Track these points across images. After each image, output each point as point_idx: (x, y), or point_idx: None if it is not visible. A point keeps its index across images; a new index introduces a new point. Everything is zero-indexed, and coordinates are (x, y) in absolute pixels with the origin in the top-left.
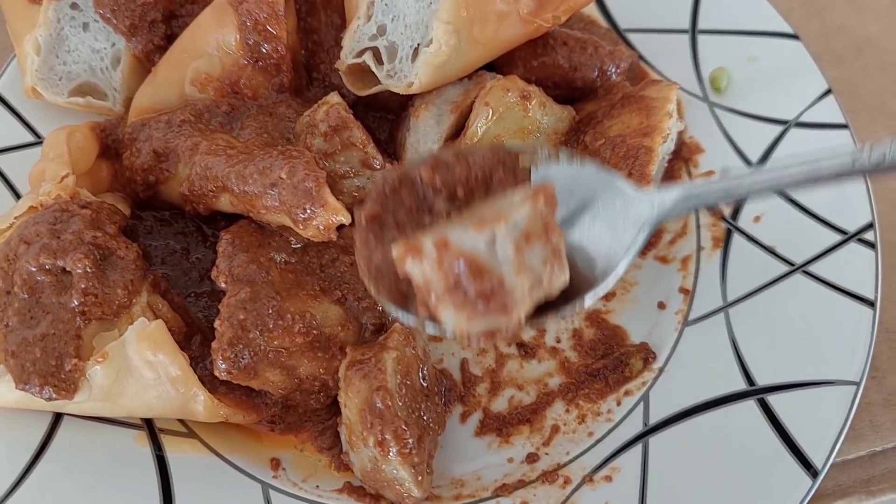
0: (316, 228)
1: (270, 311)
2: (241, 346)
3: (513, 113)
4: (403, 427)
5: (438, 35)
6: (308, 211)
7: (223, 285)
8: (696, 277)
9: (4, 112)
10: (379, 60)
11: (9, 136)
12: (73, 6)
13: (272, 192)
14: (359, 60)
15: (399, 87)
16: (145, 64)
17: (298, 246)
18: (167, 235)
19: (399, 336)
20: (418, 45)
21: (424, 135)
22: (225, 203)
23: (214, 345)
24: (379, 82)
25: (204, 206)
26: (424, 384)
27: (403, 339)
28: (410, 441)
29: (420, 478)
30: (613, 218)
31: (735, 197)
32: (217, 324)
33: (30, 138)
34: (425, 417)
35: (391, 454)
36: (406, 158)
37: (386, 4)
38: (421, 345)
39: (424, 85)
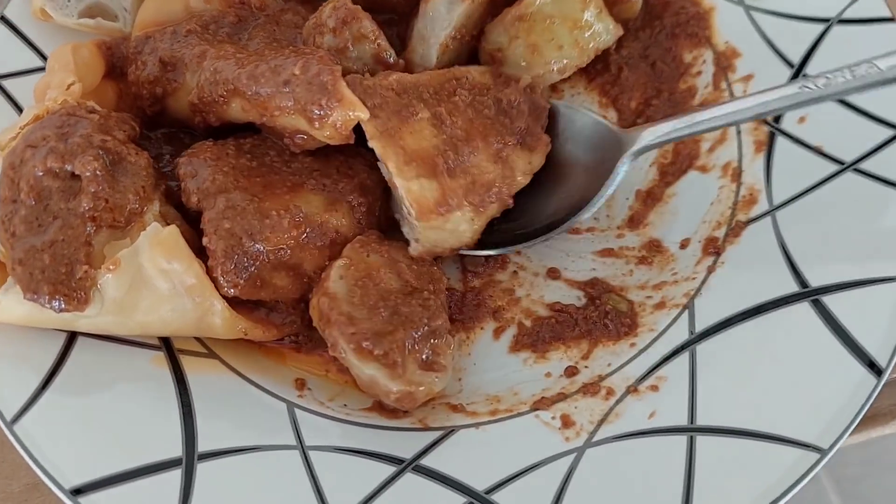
0: (333, 127)
1: (254, 213)
2: (238, 255)
3: (572, 2)
4: (346, 322)
5: None
6: (324, 107)
7: (196, 204)
8: (738, 184)
9: (13, 37)
10: None
11: (18, 61)
12: None
13: (286, 90)
14: None
15: None
16: None
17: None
18: (176, 150)
19: (355, 245)
20: None
21: (433, 21)
22: (236, 109)
23: (211, 262)
24: None
25: (214, 115)
26: (400, 283)
27: (359, 246)
28: (361, 334)
29: (395, 370)
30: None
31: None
32: (205, 241)
33: (39, 62)
34: (404, 311)
35: (347, 355)
36: (412, 44)
37: None
38: (397, 250)
39: None
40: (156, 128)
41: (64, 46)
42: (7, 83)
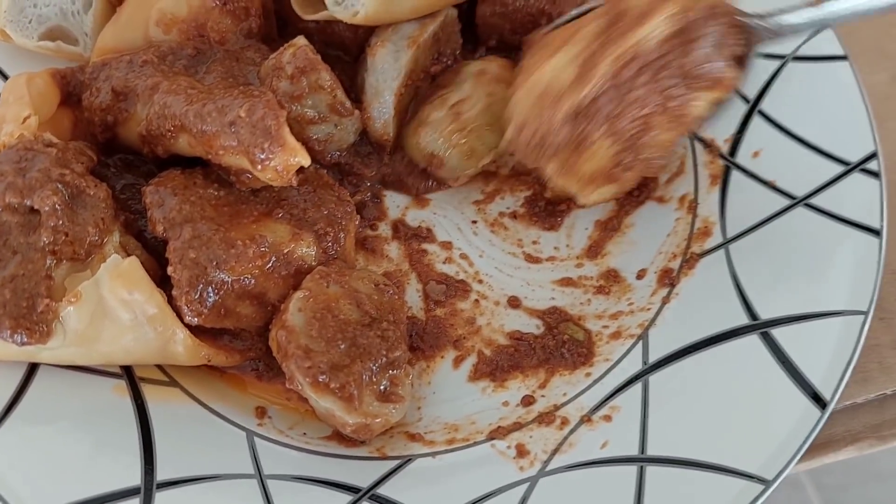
0: (274, 170)
1: (219, 243)
2: (202, 285)
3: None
4: (302, 356)
5: None
6: (266, 151)
7: (161, 234)
8: (694, 216)
9: None
10: None
11: None
12: None
13: (230, 131)
14: None
15: (344, 15)
16: (117, 8)
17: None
18: (133, 178)
19: (315, 276)
20: None
21: (383, 73)
22: (183, 144)
23: (174, 292)
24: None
25: (162, 147)
26: (359, 314)
27: (319, 277)
28: (317, 367)
29: (351, 403)
30: None
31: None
32: (170, 270)
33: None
34: (362, 342)
35: (304, 388)
36: (366, 102)
37: None
38: (358, 280)
39: (369, 16)
40: (113, 153)
41: (17, 77)
42: None
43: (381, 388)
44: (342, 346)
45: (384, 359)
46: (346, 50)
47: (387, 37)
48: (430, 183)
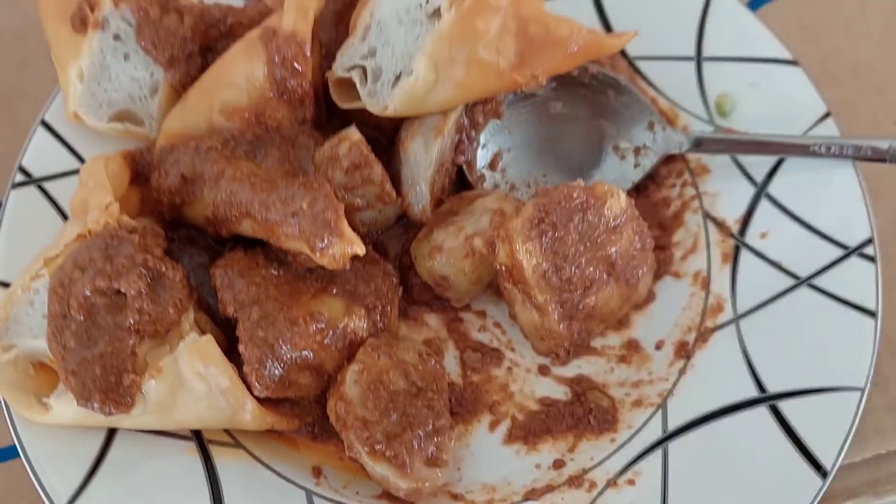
0: (332, 257)
1: (284, 322)
2: (269, 362)
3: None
4: (360, 427)
5: (419, 68)
6: (326, 241)
7: (232, 314)
8: (707, 292)
9: (52, 140)
10: (364, 79)
11: (58, 163)
12: (116, 37)
13: (293, 221)
14: (347, 75)
15: (375, 108)
16: (181, 94)
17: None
18: (196, 251)
19: (367, 349)
20: (401, 73)
21: (416, 165)
22: (246, 228)
23: (246, 368)
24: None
25: (226, 229)
26: (407, 384)
27: (371, 350)
28: (374, 437)
29: (404, 470)
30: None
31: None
32: (241, 349)
33: (76, 164)
34: (411, 412)
35: (362, 456)
36: (404, 192)
37: (380, 29)
38: (404, 351)
39: (398, 111)
40: (177, 227)
41: (95, 161)
42: (47, 185)
43: (429, 453)
44: (394, 416)
45: (431, 426)
46: (381, 131)
47: (414, 130)
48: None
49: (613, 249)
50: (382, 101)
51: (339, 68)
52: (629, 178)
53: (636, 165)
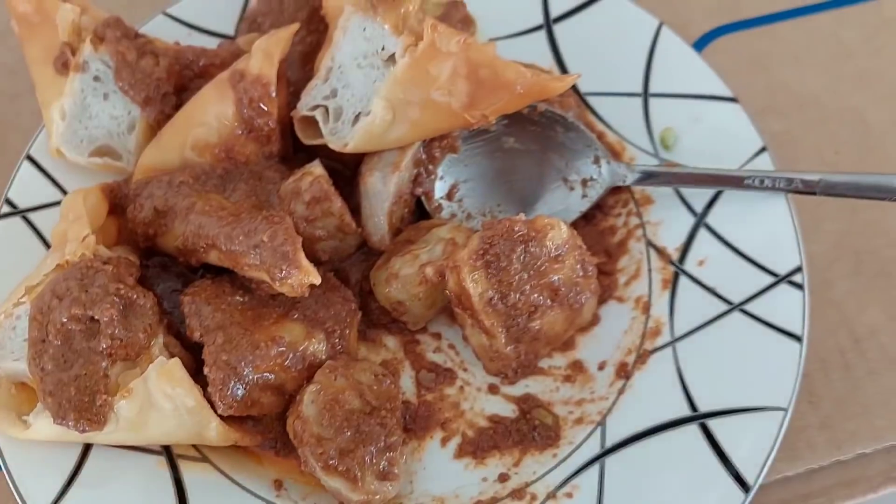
0: (291, 286)
1: (247, 346)
2: (232, 383)
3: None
4: (315, 444)
5: (376, 108)
6: (284, 271)
7: (199, 338)
8: (647, 315)
9: (37, 173)
10: (327, 118)
11: (42, 195)
12: (96, 79)
13: (254, 253)
14: (310, 114)
15: (336, 145)
16: (157, 130)
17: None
18: (169, 277)
19: (325, 370)
20: (360, 112)
21: (375, 197)
22: (213, 258)
23: (210, 389)
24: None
25: (195, 258)
26: (361, 403)
27: (328, 371)
28: (328, 453)
29: (356, 483)
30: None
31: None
32: (206, 371)
33: (59, 196)
34: (365, 430)
35: (316, 470)
36: (364, 222)
37: (341, 72)
38: (360, 372)
39: (357, 148)
40: (151, 255)
41: (75, 195)
42: (32, 216)
43: (381, 468)
44: (348, 433)
45: (383, 443)
46: (344, 164)
47: (373, 166)
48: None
49: (556, 277)
50: (343, 138)
51: (303, 107)
52: (576, 208)
53: (583, 196)
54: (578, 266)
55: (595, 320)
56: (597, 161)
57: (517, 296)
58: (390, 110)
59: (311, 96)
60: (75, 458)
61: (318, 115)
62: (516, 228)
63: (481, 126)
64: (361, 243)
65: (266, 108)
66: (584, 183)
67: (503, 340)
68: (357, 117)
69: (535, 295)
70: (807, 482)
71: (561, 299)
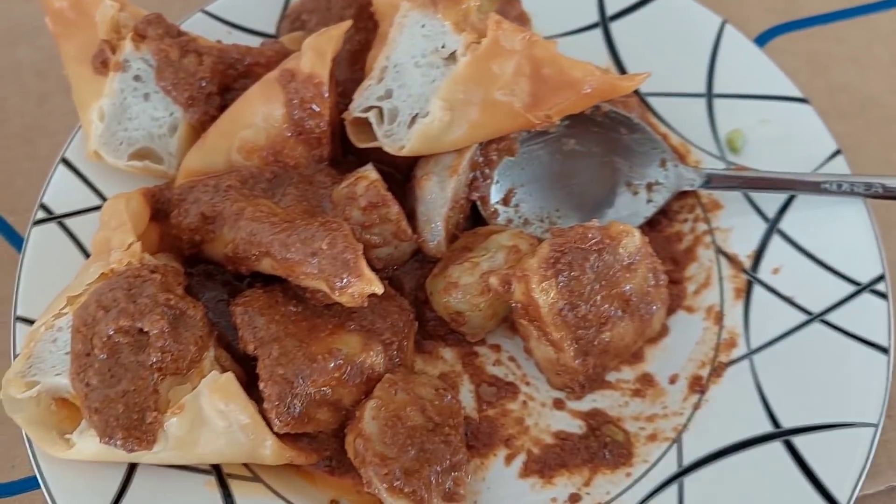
0: (350, 296)
1: (303, 359)
2: (289, 398)
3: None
4: (379, 464)
5: (435, 109)
6: (345, 280)
7: (252, 351)
8: (720, 326)
9: (73, 177)
10: (381, 120)
11: (79, 200)
12: (137, 78)
13: (312, 261)
14: (364, 115)
15: (391, 148)
16: (200, 132)
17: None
18: (214, 286)
19: (384, 385)
20: (417, 114)
21: (432, 202)
22: (266, 266)
23: (266, 405)
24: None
25: (246, 267)
26: (423, 419)
27: (388, 385)
28: (393, 474)
29: None
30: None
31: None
32: (262, 386)
33: (97, 201)
34: (429, 448)
35: (381, 492)
36: (420, 229)
37: (397, 72)
38: (420, 386)
39: (413, 150)
40: (194, 264)
41: (116, 200)
42: (68, 222)
43: (447, 488)
44: (412, 452)
45: (448, 462)
46: (396, 168)
47: (430, 169)
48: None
49: (628, 287)
50: (398, 141)
51: (355, 109)
52: (641, 213)
53: (648, 201)
54: (650, 275)
55: (664, 331)
56: (663, 164)
57: (588, 306)
58: (449, 111)
59: (365, 97)
60: (120, 479)
61: (372, 116)
62: (590, 235)
63: (542, 128)
64: (415, 251)
65: (318, 110)
66: (650, 187)
67: (571, 354)
68: (414, 119)
69: (607, 305)
70: (887, 500)
71: (632, 310)
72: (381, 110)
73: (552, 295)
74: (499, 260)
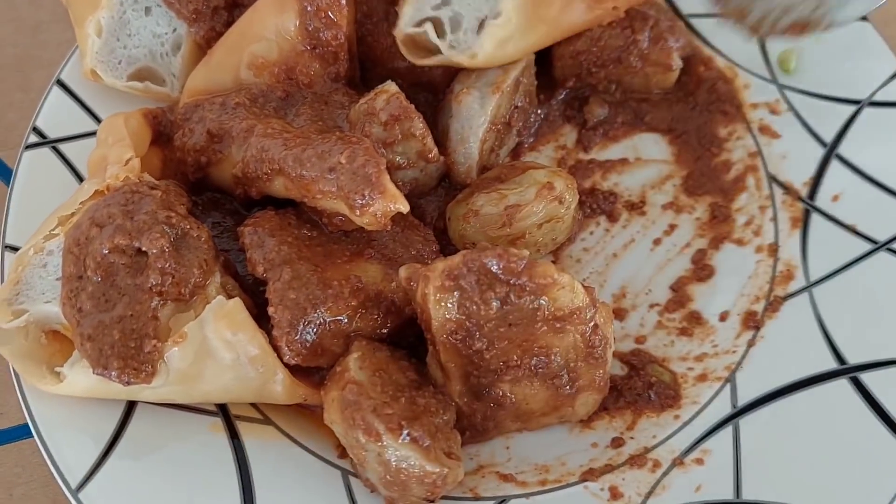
0: (373, 216)
1: (318, 284)
2: (301, 325)
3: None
4: (384, 403)
5: (507, 8)
6: (366, 197)
7: (262, 274)
8: (775, 259)
9: (68, 100)
10: (441, 32)
11: (74, 125)
12: None
13: (330, 177)
14: (419, 30)
15: (462, 59)
16: (206, 51)
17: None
18: (222, 216)
19: (361, 342)
20: (485, 17)
21: (469, 119)
22: (279, 187)
23: (275, 332)
24: (432, 54)
25: (256, 189)
26: (408, 377)
27: (366, 343)
28: (397, 415)
29: (431, 454)
30: None
31: None
32: (271, 311)
33: (93, 126)
34: (420, 402)
35: (383, 436)
36: (451, 148)
37: None
38: (393, 349)
39: (488, 57)
40: (201, 191)
41: (114, 117)
42: (63, 147)
43: (445, 445)
44: (405, 404)
45: (442, 418)
46: (434, 91)
47: (471, 83)
48: None
49: (547, 346)
50: (468, 49)
51: (407, 24)
52: None
53: None
54: (584, 347)
55: (709, 271)
56: None
57: (485, 344)
58: (521, 9)
59: (416, 8)
60: (117, 419)
61: (429, 28)
62: (509, 265)
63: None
64: (442, 176)
65: (335, 19)
66: None
67: (458, 388)
68: (482, 23)
69: (515, 356)
70: None
71: (548, 374)
72: (436, 22)
73: (448, 311)
74: (528, 196)
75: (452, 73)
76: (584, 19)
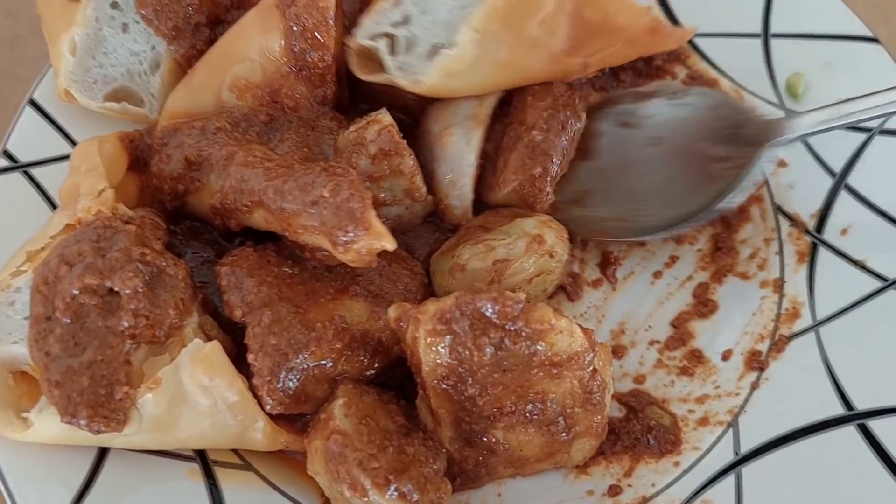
0: (357, 253)
1: (299, 327)
2: (283, 373)
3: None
4: (370, 456)
5: (464, 40)
6: (350, 234)
7: (240, 318)
8: (781, 295)
9: (42, 121)
10: (391, 50)
11: (47, 147)
12: (114, 5)
13: (312, 211)
14: (372, 44)
15: (406, 83)
16: (186, 70)
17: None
18: (201, 246)
19: (347, 386)
20: (440, 45)
21: (457, 160)
22: (258, 219)
23: (255, 381)
24: (382, 72)
25: (235, 221)
26: (397, 422)
27: (353, 387)
28: (383, 469)
29: None
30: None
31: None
32: (251, 358)
33: (68, 149)
34: (409, 450)
35: (369, 492)
36: (443, 191)
37: None
38: (382, 393)
39: (431, 87)
40: (178, 220)
41: (88, 143)
42: (35, 171)
43: (434, 496)
44: (393, 454)
45: (432, 468)
46: (408, 113)
47: (449, 121)
48: None
49: (544, 392)
50: (414, 73)
51: (363, 35)
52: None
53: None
54: (581, 392)
55: (712, 307)
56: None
57: (478, 389)
58: (479, 45)
59: (376, 22)
60: (88, 467)
61: (382, 44)
62: (504, 308)
63: (577, 77)
64: (429, 214)
65: (321, 40)
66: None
67: (449, 434)
68: (435, 50)
69: (509, 402)
70: None
71: (544, 421)
72: (393, 39)
73: (439, 356)
74: (518, 249)
75: (425, 100)
76: (545, 70)
